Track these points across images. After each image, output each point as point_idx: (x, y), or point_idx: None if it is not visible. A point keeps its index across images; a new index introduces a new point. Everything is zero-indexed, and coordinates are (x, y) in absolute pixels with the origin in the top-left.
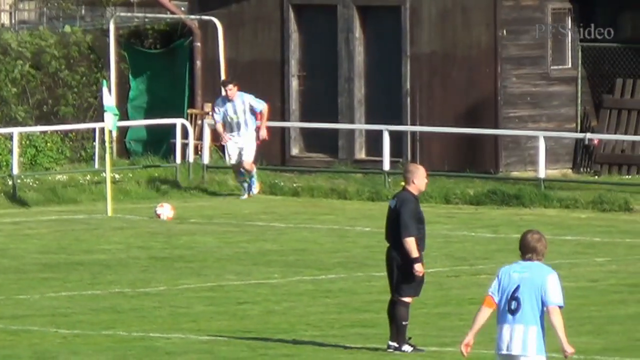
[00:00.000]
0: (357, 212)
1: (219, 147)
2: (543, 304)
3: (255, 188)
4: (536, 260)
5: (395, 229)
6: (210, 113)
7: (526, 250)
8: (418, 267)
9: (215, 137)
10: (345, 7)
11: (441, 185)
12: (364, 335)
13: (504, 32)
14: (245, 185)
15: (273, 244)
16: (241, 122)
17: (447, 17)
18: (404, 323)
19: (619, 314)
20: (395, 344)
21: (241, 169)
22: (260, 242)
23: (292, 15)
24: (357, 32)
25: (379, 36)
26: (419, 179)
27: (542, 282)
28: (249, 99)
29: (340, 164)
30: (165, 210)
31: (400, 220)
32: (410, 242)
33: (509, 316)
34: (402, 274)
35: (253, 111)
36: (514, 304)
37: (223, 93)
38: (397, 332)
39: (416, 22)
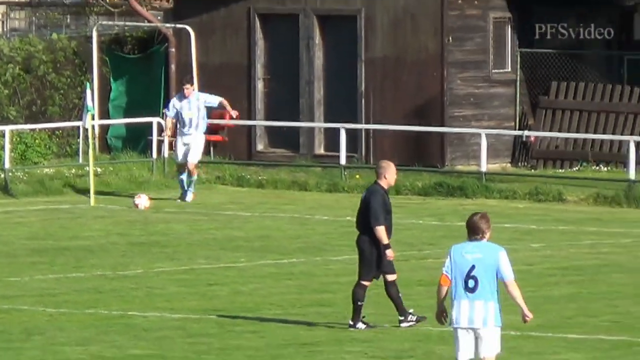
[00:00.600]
0: (316, 202)
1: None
2: (497, 279)
3: (190, 196)
4: (483, 239)
5: (364, 218)
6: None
7: (472, 231)
8: (389, 253)
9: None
10: (306, 16)
11: None
12: (322, 313)
13: (450, 38)
14: (185, 187)
15: (239, 231)
16: (193, 122)
17: (398, 25)
18: (359, 303)
19: (552, 295)
20: (351, 322)
21: (184, 174)
22: (228, 229)
23: (258, 23)
24: (317, 38)
25: (337, 42)
26: (390, 175)
27: (495, 260)
28: (204, 97)
29: (301, 158)
30: (143, 201)
31: (371, 211)
32: (381, 230)
33: (468, 293)
34: (364, 259)
35: (205, 113)
36: (471, 283)
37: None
38: (353, 311)
39: (370, 30)
